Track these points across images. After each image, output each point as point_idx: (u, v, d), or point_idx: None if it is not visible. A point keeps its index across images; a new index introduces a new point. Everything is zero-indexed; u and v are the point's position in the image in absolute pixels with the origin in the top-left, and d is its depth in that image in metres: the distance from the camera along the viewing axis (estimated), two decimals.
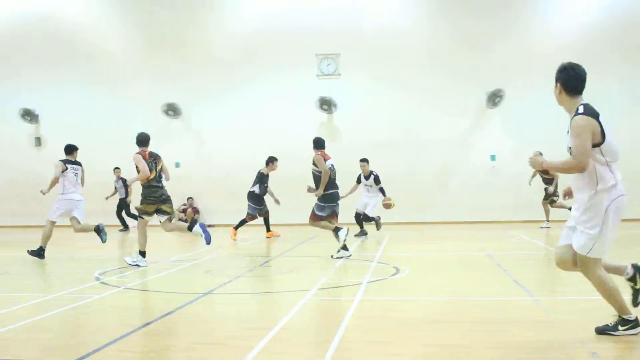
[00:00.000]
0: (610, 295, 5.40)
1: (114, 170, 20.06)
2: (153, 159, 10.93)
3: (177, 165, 21.78)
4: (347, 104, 21.36)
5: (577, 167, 5.24)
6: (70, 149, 12.62)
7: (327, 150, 12.22)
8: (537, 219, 19.25)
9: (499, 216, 20.64)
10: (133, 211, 19.32)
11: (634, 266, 5.61)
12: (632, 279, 5.62)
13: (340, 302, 7.40)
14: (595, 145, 5.22)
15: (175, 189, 21.62)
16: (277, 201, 16.67)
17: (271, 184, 17.30)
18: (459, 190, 21.04)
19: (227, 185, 21.37)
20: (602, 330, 5.49)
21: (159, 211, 10.78)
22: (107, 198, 20.06)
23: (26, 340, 5.80)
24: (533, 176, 18.40)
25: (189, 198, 21.74)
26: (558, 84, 5.46)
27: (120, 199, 20.14)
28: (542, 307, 6.75)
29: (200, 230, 10.49)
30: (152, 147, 11.06)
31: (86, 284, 8.53)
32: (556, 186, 18.11)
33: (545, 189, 18.44)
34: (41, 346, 5.59)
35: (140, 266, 10.58)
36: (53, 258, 12.15)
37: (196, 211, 21.79)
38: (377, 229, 16.77)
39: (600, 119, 5.28)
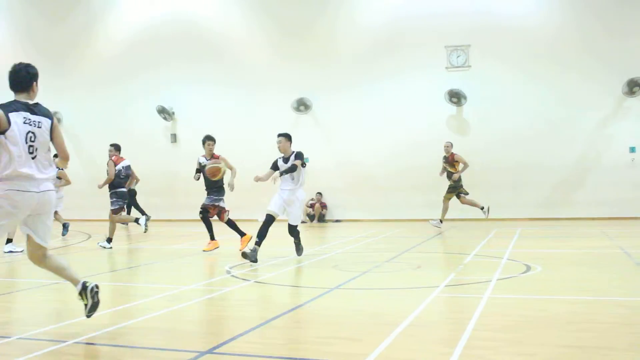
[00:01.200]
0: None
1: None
2: None
3: (306, 160, 22.04)
4: (478, 96, 20.89)
5: None
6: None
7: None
8: None
9: (638, 212, 19.62)
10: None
11: (83, 284, 5.84)
12: (80, 295, 5.88)
13: (469, 299, 7.25)
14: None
15: (307, 185, 22.06)
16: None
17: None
18: (595, 184, 20.12)
19: (355, 181, 21.50)
20: None
21: None
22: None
23: (164, 329, 6.05)
24: (443, 171, 17.39)
25: (317, 193, 21.98)
26: None
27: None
28: None
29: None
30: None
31: (217, 277, 8.79)
32: (456, 179, 16.90)
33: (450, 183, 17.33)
34: (178, 335, 5.82)
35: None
36: (186, 252, 12.61)
37: (324, 206, 22.01)
38: (298, 254, 11.33)
39: (11, 112, 5.57)
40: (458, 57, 21.28)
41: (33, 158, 5.70)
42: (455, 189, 17.07)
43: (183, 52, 23.53)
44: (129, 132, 23.46)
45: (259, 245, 10.50)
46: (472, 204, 17.13)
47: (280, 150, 11.08)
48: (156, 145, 23.78)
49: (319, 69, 22.07)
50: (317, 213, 21.70)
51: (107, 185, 13.99)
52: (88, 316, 5.98)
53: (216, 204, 12.52)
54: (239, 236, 12.59)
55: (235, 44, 23.16)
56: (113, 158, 14.05)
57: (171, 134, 23.80)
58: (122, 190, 13.92)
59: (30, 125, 5.71)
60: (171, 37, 23.72)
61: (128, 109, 24.18)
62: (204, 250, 12.48)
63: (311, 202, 21.99)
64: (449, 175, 17.13)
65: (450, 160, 17.14)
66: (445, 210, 17.20)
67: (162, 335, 5.84)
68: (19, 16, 26.15)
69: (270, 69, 22.60)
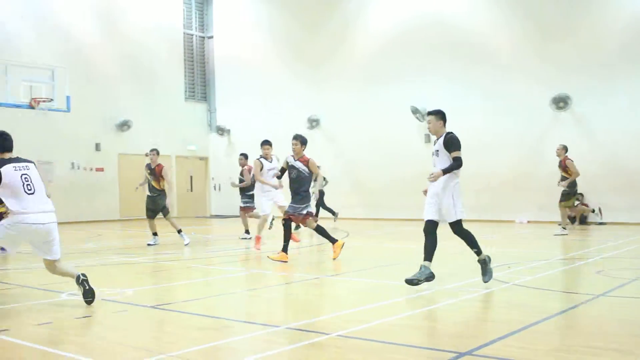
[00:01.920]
0: None
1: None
2: None
3: None
4: None
5: None
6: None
7: None
8: None
9: None
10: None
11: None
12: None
13: None
14: None
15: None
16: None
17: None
18: None
19: (619, 181, 19.87)
20: None
21: None
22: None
23: (422, 328, 6.11)
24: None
25: (578, 194, 20.79)
26: None
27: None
28: None
29: None
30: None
31: (474, 279, 8.62)
32: (571, 186, 15.90)
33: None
34: (436, 334, 5.84)
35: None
36: (447, 252, 12.54)
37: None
38: (484, 278, 8.33)
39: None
40: None
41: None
42: (570, 196, 16.36)
43: (433, 53, 23.44)
44: (385, 133, 23.97)
45: (429, 263, 8.20)
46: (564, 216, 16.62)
47: (431, 132, 8.84)
48: (411, 146, 24.00)
49: (579, 64, 20.72)
50: (579, 215, 20.56)
51: (239, 188, 16.22)
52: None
53: (299, 212, 11.27)
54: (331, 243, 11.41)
55: (488, 41, 22.59)
56: (246, 167, 16.07)
57: (425, 134, 23.90)
58: (252, 192, 15.73)
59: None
60: (421, 38, 23.71)
61: (383, 111, 24.60)
62: (268, 257, 11.30)
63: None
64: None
65: (563, 166, 16.25)
66: (564, 216, 16.57)
67: (421, 333, 5.88)
68: (279, 27, 27.82)
69: (522, 67, 21.64)
